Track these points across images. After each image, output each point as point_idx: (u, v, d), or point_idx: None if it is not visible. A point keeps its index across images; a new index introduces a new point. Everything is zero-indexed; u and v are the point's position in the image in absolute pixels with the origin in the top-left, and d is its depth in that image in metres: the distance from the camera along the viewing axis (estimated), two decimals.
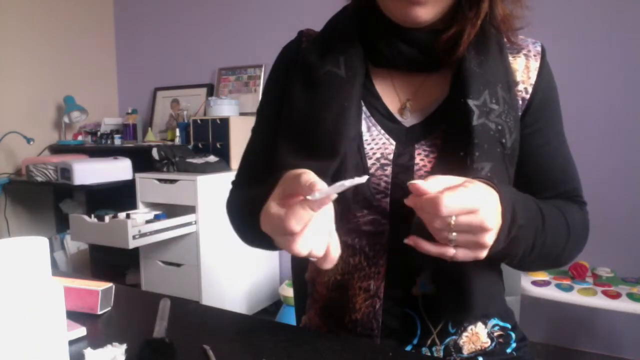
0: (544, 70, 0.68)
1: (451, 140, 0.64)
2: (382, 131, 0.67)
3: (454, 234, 0.49)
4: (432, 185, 0.49)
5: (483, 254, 0.51)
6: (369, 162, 0.66)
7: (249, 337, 0.62)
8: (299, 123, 0.67)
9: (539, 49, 0.69)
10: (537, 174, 0.69)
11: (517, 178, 0.67)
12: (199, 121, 2.46)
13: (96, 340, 0.61)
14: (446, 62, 0.65)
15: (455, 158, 0.62)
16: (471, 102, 0.61)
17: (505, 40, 0.67)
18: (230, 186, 0.81)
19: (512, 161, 0.64)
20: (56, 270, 0.49)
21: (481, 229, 0.49)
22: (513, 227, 0.54)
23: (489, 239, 0.50)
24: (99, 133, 2.91)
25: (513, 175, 0.65)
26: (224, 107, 2.46)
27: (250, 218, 0.67)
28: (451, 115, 0.64)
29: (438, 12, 0.61)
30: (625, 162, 1.92)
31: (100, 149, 2.79)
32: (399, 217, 0.65)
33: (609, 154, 1.94)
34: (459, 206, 0.47)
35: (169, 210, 2.29)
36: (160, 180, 2.26)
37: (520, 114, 0.66)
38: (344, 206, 0.67)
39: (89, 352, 0.55)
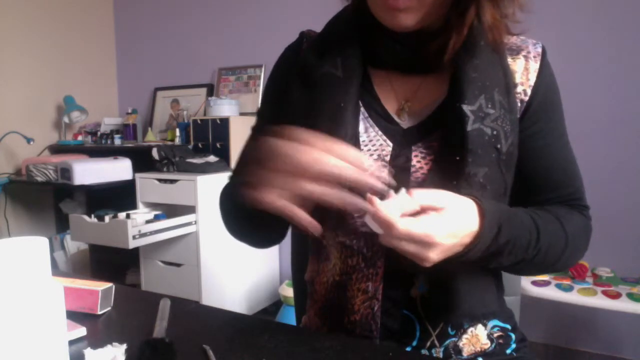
0: (543, 72, 0.68)
1: (447, 143, 0.64)
2: (380, 132, 0.67)
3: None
4: (384, 205, 0.52)
5: (425, 264, 0.54)
6: None
7: (249, 337, 0.62)
8: (296, 123, 0.67)
9: (539, 50, 0.69)
10: (537, 176, 0.69)
11: (518, 181, 0.67)
12: (199, 121, 2.46)
13: (96, 340, 0.61)
14: (440, 65, 0.65)
15: (451, 161, 0.62)
16: (466, 108, 0.61)
17: (499, 44, 0.66)
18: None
19: (508, 166, 0.64)
20: (56, 270, 0.49)
21: (426, 247, 0.53)
22: (493, 243, 0.57)
23: (433, 256, 0.53)
24: (99, 133, 2.91)
25: (511, 179, 0.65)
26: (224, 107, 2.46)
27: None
28: (447, 119, 0.64)
29: (423, 17, 0.60)
30: (625, 162, 1.92)
31: (100, 149, 2.79)
32: None
33: (609, 154, 1.94)
34: (408, 237, 0.51)
35: (169, 210, 2.29)
36: (160, 180, 2.26)
37: (519, 116, 0.66)
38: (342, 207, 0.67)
39: (89, 352, 0.55)
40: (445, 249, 0.53)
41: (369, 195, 0.52)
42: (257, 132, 0.78)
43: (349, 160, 0.51)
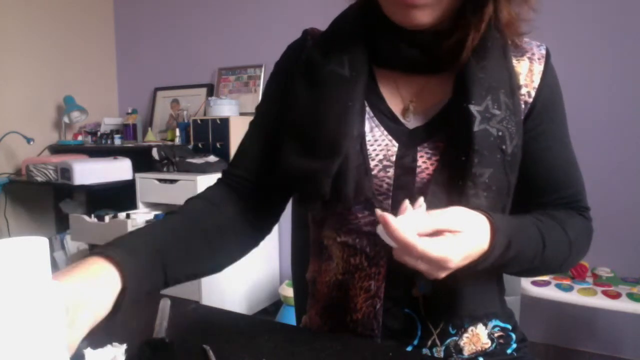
0: (547, 74, 0.68)
1: (453, 144, 0.63)
2: (385, 132, 0.67)
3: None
4: (402, 224, 0.52)
5: (431, 278, 0.55)
6: (372, 164, 0.66)
7: (249, 337, 0.62)
8: (302, 122, 0.67)
9: (543, 52, 0.69)
10: (539, 177, 0.69)
11: (520, 182, 0.66)
12: (199, 121, 2.45)
13: (96, 340, 0.61)
14: (449, 65, 0.65)
15: (457, 162, 0.62)
16: (473, 108, 0.61)
17: (510, 43, 0.66)
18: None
19: (512, 167, 0.64)
20: (56, 270, 0.49)
21: (441, 269, 0.54)
22: (501, 258, 0.58)
23: (443, 275, 0.55)
24: (99, 133, 2.91)
25: (514, 180, 0.65)
26: (224, 107, 2.46)
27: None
28: (453, 119, 0.64)
29: (439, 14, 0.60)
30: (625, 162, 1.92)
31: (100, 149, 2.79)
32: None
33: (609, 154, 1.94)
34: (427, 257, 0.52)
35: (169, 210, 2.29)
36: (160, 180, 2.26)
37: (522, 117, 0.66)
38: (346, 206, 0.67)
39: (89, 352, 0.55)
40: (455, 268, 0.54)
41: (379, 213, 0.52)
42: (255, 128, 0.78)
43: None
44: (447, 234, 0.53)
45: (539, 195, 0.70)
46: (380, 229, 0.53)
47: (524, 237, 0.61)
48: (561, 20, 1.97)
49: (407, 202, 0.55)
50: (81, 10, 3.02)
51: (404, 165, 0.65)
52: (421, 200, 0.56)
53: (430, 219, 0.54)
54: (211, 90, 2.86)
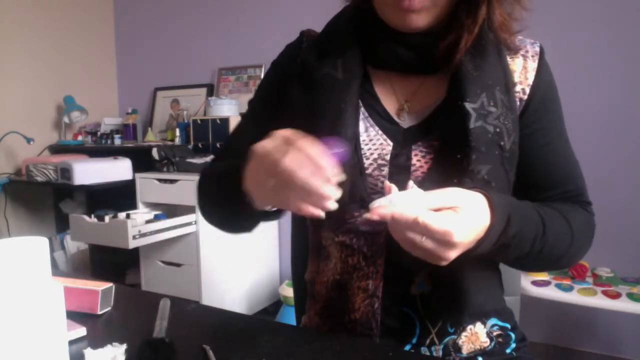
0: (541, 71, 0.68)
1: (448, 142, 0.64)
2: (380, 132, 0.68)
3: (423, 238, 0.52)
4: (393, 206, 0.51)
5: (442, 263, 0.53)
6: (366, 163, 0.66)
7: (249, 337, 0.62)
8: (297, 125, 0.67)
9: (537, 49, 0.69)
10: (538, 174, 0.69)
11: (519, 179, 0.67)
12: (199, 121, 2.46)
13: (96, 340, 0.61)
14: (444, 65, 0.65)
15: (452, 160, 0.62)
16: (468, 105, 0.62)
17: (503, 41, 0.67)
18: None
19: (511, 163, 0.64)
20: (56, 270, 0.49)
21: (446, 245, 0.51)
22: (503, 236, 0.56)
23: (452, 255, 0.52)
24: (99, 133, 2.91)
25: (513, 177, 0.65)
26: (224, 107, 2.46)
27: (226, 182, 0.67)
28: (448, 117, 0.64)
29: (434, 18, 0.61)
30: (625, 162, 1.92)
31: (100, 149, 2.79)
32: None
33: (609, 154, 1.94)
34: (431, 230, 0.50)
35: (169, 210, 2.29)
36: (160, 180, 2.26)
37: (518, 115, 0.66)
38: (341, 206, 0.67)
39: (89, 352, 0.55)
40: (463, 247, 0.53)
41: (367, 216, 0.52)
42: (247, 123, 0.78)
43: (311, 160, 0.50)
44: (446, 211, 0.52)
45: (539, 192, 0.70)
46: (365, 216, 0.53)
47: (524, 216, 0.60)
48: (560, 20, 1.97)
49: (387, 182, 0.55)
50: (81, 10, 3.02)
51: (399, 164, 0.66)
52: (411, 183, 0.56)
53: (425, 197, 0.53)
54: (211, 90, 2.86)
